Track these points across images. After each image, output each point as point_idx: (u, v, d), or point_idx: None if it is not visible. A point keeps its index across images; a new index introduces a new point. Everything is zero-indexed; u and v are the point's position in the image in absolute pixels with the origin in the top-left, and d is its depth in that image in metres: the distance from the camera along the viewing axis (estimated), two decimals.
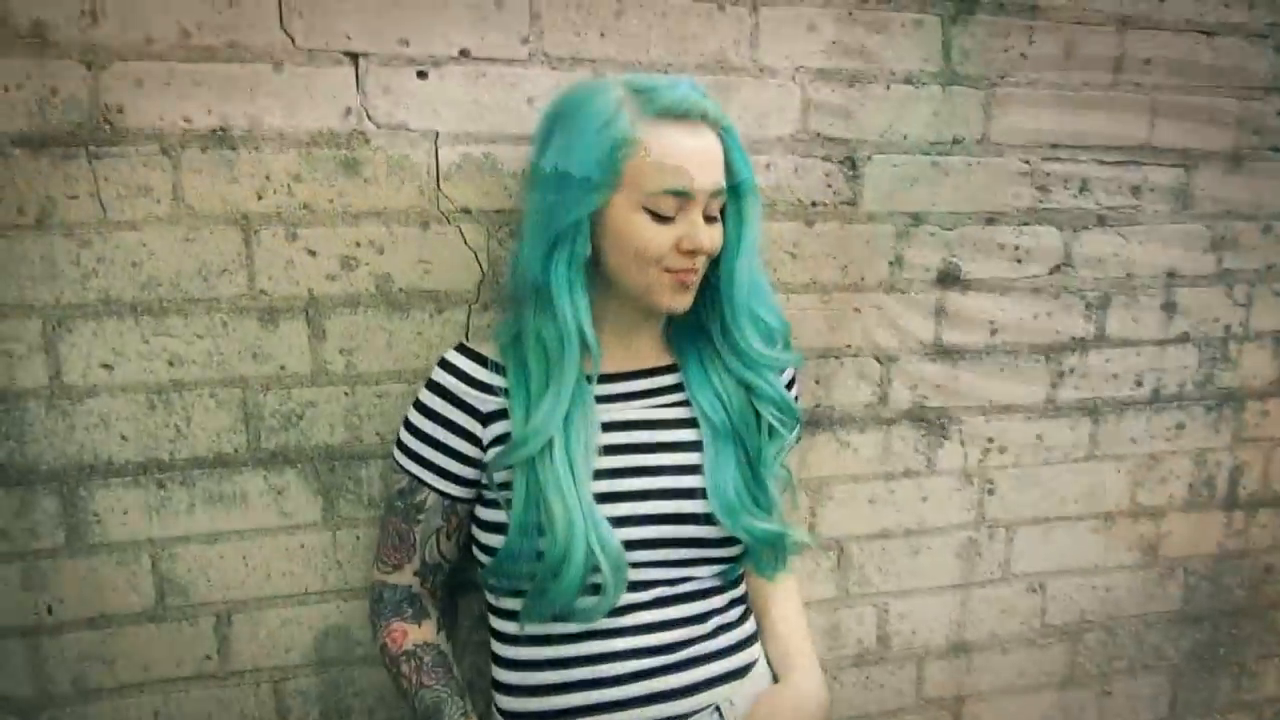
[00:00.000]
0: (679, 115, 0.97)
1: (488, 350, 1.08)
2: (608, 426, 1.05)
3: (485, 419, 1.05)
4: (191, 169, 1.10)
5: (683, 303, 1.04)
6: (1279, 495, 1.73)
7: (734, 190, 1.04)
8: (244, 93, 1.10)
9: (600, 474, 1.02)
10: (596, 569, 0.97)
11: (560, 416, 0.99)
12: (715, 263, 1.06)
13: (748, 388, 1.08)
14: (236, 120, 1.10)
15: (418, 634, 1.09)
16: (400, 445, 1.09)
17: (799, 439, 1.13)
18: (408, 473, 1.08)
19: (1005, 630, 1.60)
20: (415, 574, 1.11)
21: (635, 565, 1.01)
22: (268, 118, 1.11)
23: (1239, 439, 1.68)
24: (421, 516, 1.08)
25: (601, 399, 1.07)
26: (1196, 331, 1.60)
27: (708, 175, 0.99)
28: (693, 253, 1.00)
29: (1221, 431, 1.66)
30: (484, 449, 1.05)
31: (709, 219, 1.02)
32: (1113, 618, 1.67)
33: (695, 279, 1.04)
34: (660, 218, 0.98)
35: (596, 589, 0.98)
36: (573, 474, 0.98)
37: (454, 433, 1.05)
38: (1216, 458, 1.67)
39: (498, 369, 1.06)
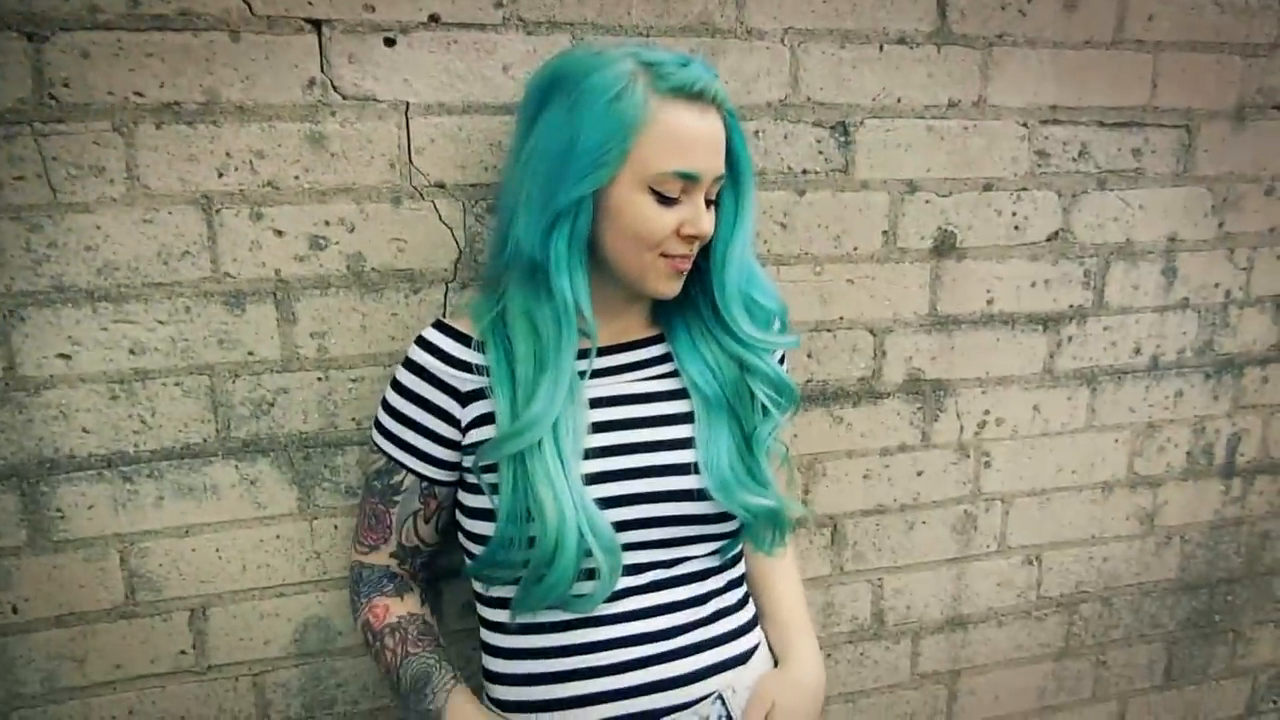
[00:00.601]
0: (692, 95, 0.92)
1: (466, 327, 1.03)
2: (595, 403, 1.01)
3: (464, 399, 1.00)
4: (146, 146, 1.04)
5: (674, 289, 1.00)
6: (1277, 462, 1.71)
7: (732, 175, 0.99)
8: (199, 64, 1.03)
9: (589, 453, 0.97)
10: (590, 554, 0.93)
11: (559, 404, 0.94)
12: (706, 247, 1.01)
13: (740, 364, 1.04)
14: (192, 94, 1.04)
15: (400, 607, 1.06)
16: (378, 425, 1.04)
17: (796, 412, 1.09)
18: (385, 454, 1.03)
19: (1001, 603, 1.57)
20: (392, 555, 1.07)
21: (629, 547, 0.97)
22: (226, 90, 1.05)
23: (1238, 406, 1.65)
24: (398, 498, 1.04)
25: (589, 373, 1.02)
26: (1197, 297, 1.56)
27: (715, 159, 0.95)
28: (692, 238, 0.96)
29: (1220, 398, 1.63)
30: (462, 430, 1.00)
31: (707, 203, 0.97)
32: (1109, 588, 1.65)
33: (689, 265, 0.99)
34: (664, 199, 0.94)
35: (592, 575, 0.95)
36: (560, 458, 0.94)
37: (432, 413, 1.01)
38: (1215, 425, 1.64)
39: (480, 347, 1.01)
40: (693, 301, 1.05)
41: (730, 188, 1.00)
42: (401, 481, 1.03)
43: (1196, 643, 1.75)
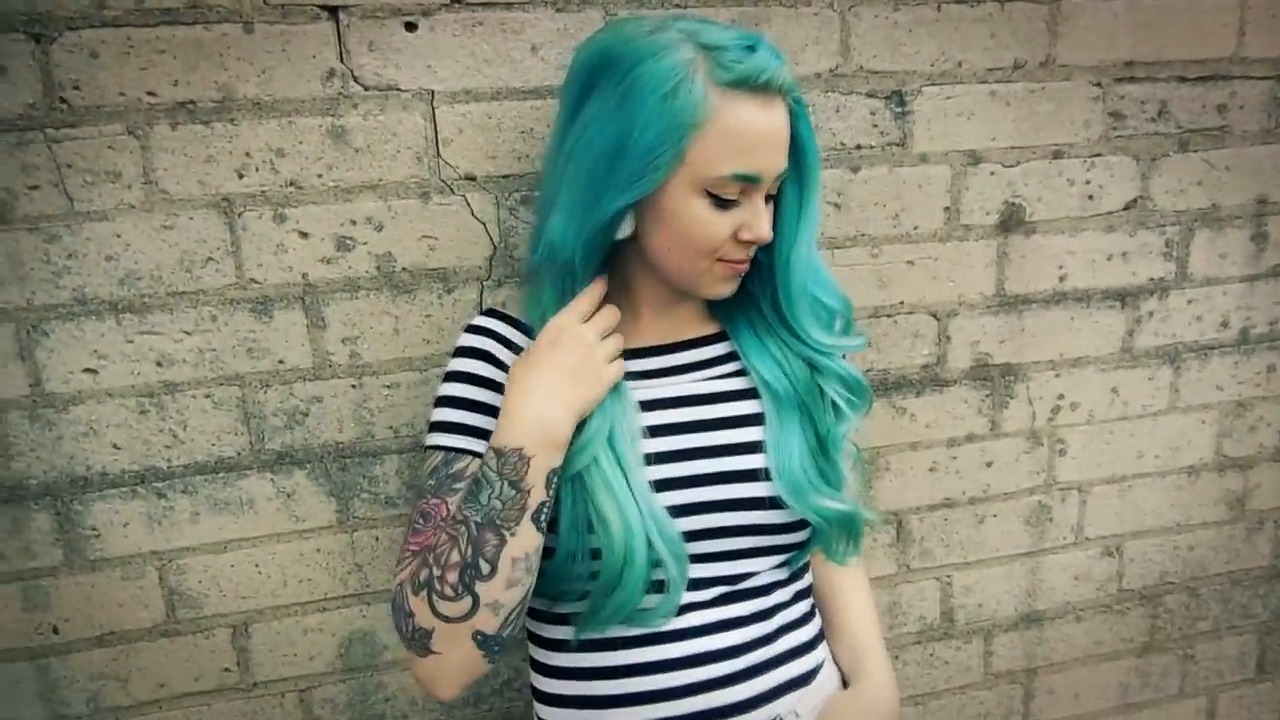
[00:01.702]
0: (756, 87, 0.82)
1: (517, 313, 0.97)
2: (654, 404, 0.94)
3: None
4: (162, 149, 0.99)
5: (730, 290, 0.92)
6: None
7: (796, 167, 0.90)
8: (212, 59, 0.98)
9: (651, 458, 0.90)
10: (659, 564, 0.86)
11: (609, 415, 0.88)
12: (767, 244, 0.93)
13: (810, 364, 0.96)
14: (207, 91, 0.99)
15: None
16: (435, 424, 0.94)
17: (869, 411, 1.01)
18: (442, 448, 0.91)
19: (1079, 597, 1.48)
20: None
21: (693, 559, 0.90)
22: (241, 86, 0.99)
23: None
24: (459, 486, 0.91)
25: (644, 374, 0.95)
26: None
27: (778, 158, 0.86)
28: (750, 243, 0.88)
29: None
30: None
31: (766, 199, 0.89)
32: (1196, 578, 1.54)
33: (746, 268, 0.92)
34: (721, 202, 0.85)
35: (660, 586, 0.88)
36: (621, 465, 0.87)
37: (494, 390, 0.92)
38: None
39: (531, 333, 0.94)
40: (752, 297, 0.97)
41: (794, 180, 0.91)
42: (465, 468, 0.91)
43: None
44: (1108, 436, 1.42)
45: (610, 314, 0.90)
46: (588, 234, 0.86)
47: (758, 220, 0.86)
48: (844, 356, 1.01)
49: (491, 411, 0.92)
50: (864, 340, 1.03)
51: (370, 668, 1.18)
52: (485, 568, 0.81)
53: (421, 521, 0.91)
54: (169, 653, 1.12)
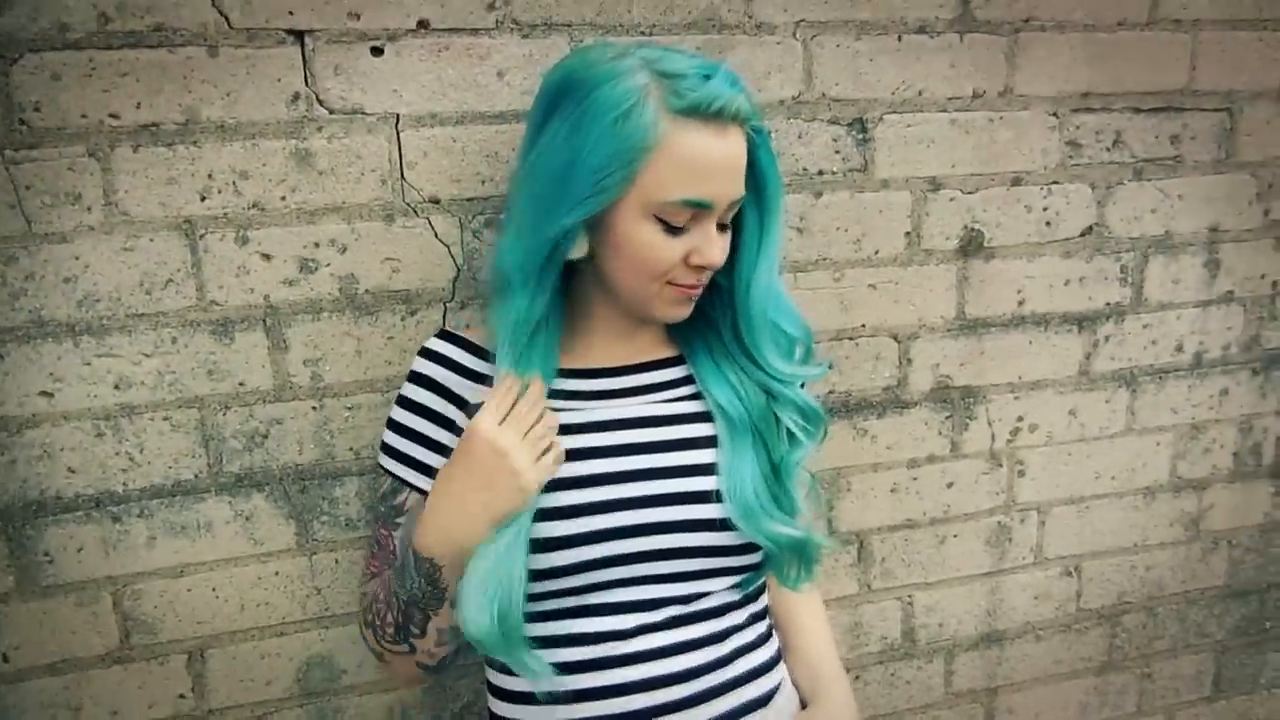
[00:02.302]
0: (709, 115, 0.83)
1: (477, 337, 0.98)
2: (608, 425, 0.94)
3: (471, 411, 0.94)
4: (124, 170, 0.98)
5: (683, 314, 0.93)
6: None
7: (756, 194, 0.92)
8: (176, 82, 0.98)
9: (601, 479, 0.91)
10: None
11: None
12: (728, 269, 0.94)
13: (767, 392, 0.97)
14: (170, 114, 0.98)
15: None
16: (383, 445, 0.98)
17: (824, 439, 1.02)
18: (390, 474, 0.97)
19: (1039, 617, 1.50)
20: None
21: (645, 581, 0.91)
22: (205, 109, 0.99)
23: None
24: (400, 520, 0.97)
25: (595, 395, 0.96)
26: (1242, 290, 1.47)
27: (731, 186, 0.87)
28: (701, 268, 0.89)
29: (1269, 396, 1.54)
30: None
31: (720, 227, 0.89)
32: (1153, 598, 1.57)
33: (699, 292, 0.92)
34: (671, 228, 0.86)
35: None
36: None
37: (436, 423, 0.95)
38: (1263, 423, 1.55)
39: (492, 358, 0.94)
40: (712, 322, 0.99)
41: (754, 207, 0.92)
42: (404, 502, 0.97)
43: (1246, 651, 1.67)
44: (1066, 458, 1.44)
45: (534, 403, 0.87)
46: (536, 253, 0.87)
47: (709, 246, 0.87)
48: (803, 385, 1.02)
49: (436, 447, 0.95)
50: (824, 369, 1.04)
51: (329, 692, 1.17)
52: (416, 630, 0.90)
53: (377, 547, 0.98)
54: (123, 680, 1.10)
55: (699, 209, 0.85)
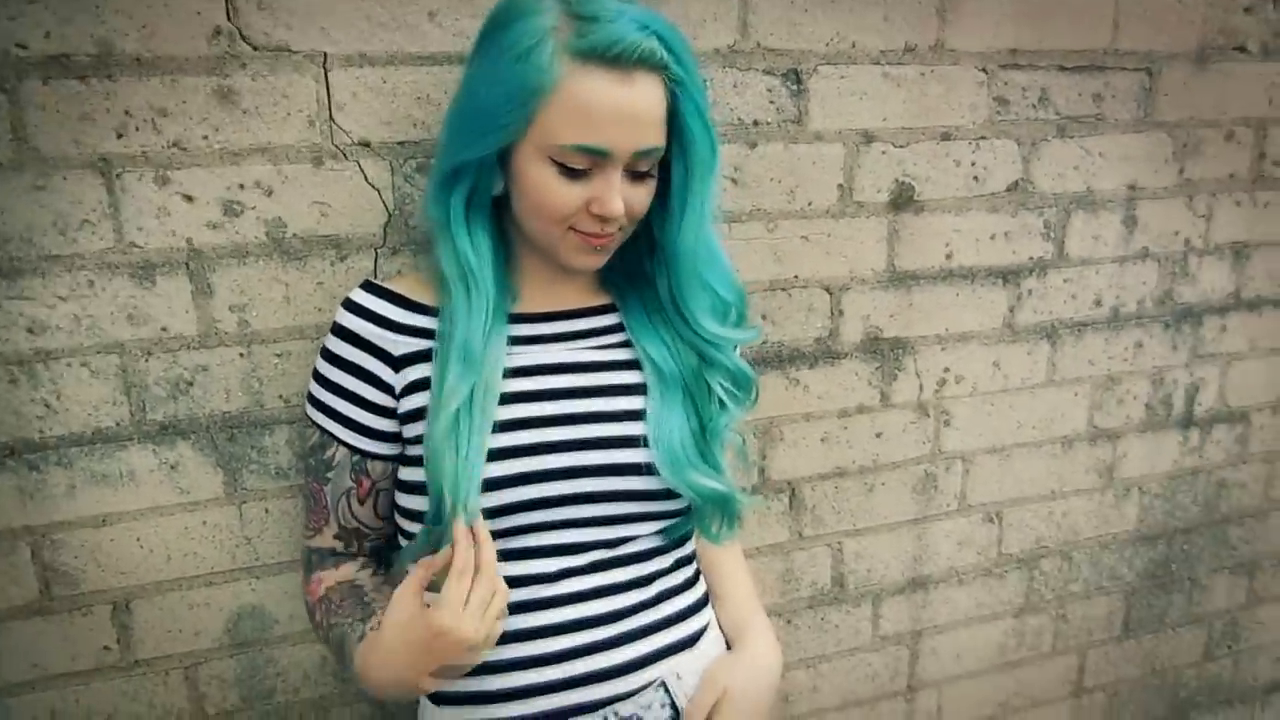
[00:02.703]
0: (610, 59, 0.81)
1: (404, 287, 0.96)
2: (535, 370, 0.94)
3: (397, 363, 0.93)
4: (33, 104, 0.94)
5: (594, 264, 0.93)
6: (1234, 411, 1.70)
7: (681, 147, 0.89)
8: (89, 12, 0.93)
9: (530, 423, 0.91)
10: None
11: (469, 377, 0.88)
12: (660, 223, 0.93)
13: (699, 354, 0.97)
14: (83, 45, 0.94)
15: (333, 577, 1.00)
16: (310, 397, 0.98)
17: (754, 405, 1.03)
18: (317, 426, 0.97)
19: (962, 562, 1.55)
20: (335, 538, 1.01)
21: (571, 525, 0.92)
22: (121, 41, 0.95)
23: (1196, 355, 1.63)
24: (330, 474, 0.97)
25: (524, 340, 0.96)
26: (1156, 246, 1.53)
27: (633, 135, 0.84)
28: (601, 217, 0.87)
29: (1179, 349, 1.61)
30: (396, 397, 0.94)
31: (637, 176, 0.88)
32: (1069, 542, 1.64)
33: (610, 243, 0.92)
34: (571, 171, 0.85)
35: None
36: (469, 428, 0.87)
37: (362, 379, 0.94)
38: (1174, 375, 1.62)
39: (419, 309, 0.94)
40: (647, 276, 0.99)
41: (679, 160, 0.90)
42: (333, 456, 0.96)
43: (1154, 592, 1.76)
44: (989, 409, 1.49)
45: (485, 559, 0.82)
46: (447, 190, 0.88)
47: (609, 194, 0.85)
48: (735, 349, 1.03)
49: (360, 402, 0.94)
50: (756, 333, 1.05)
51: (260, 642, 1.16)
52: (347, 660, 0.92)
53: (313, 502, 0.99)
54: (44, 631, 1.07)
55: (597, 156, 0.84)
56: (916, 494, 1.48)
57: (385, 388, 0.94)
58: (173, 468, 1.07)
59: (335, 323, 0.96)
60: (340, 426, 0.95)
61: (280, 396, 1.09)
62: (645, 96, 0.84)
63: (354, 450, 0.96)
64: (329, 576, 1.00)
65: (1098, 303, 1.51)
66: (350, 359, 0.94)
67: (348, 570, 1.02)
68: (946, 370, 1.44)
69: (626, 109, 0.83)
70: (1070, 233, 1.45)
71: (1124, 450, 1.62)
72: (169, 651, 1.12)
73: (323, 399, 0.96)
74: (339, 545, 1.02)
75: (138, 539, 1.08)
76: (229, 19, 0.98)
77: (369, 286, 0.96)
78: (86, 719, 1.11)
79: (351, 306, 0.95)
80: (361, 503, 0.99)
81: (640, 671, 0.94)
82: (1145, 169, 1.47)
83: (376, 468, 0.97)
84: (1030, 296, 1.46)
